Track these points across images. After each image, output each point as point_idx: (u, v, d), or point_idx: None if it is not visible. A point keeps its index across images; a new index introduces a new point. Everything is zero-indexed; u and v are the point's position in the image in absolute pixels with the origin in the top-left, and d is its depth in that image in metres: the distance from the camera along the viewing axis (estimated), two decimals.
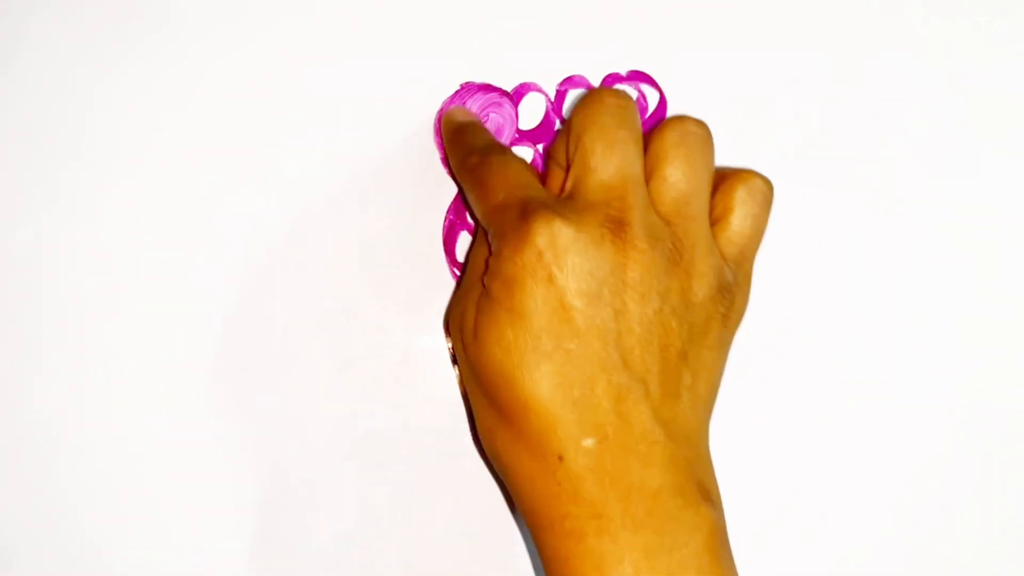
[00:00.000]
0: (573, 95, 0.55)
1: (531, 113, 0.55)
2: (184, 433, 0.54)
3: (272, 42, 0.54)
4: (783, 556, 0.56)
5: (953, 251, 0.57)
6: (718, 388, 0.48)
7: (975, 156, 0.57)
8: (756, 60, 0.56)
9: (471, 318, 0.46)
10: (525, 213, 0.44)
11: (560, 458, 0.43)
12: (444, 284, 0.55)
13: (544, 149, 0.55)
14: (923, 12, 0.57)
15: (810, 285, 0.56)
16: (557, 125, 0.55)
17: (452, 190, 0.55)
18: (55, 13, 0.54)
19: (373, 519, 0.55)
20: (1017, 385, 0.58)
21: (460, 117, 0.54)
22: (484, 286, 0.46)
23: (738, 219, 0.48)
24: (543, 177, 0.50)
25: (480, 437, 0.48)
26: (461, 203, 0.54)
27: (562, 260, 0.43)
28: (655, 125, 0.48)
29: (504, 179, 0.47)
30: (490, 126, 0.54)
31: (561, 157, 0.48)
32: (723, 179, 0.48)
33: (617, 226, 0.44)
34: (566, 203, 0.45)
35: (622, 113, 0.46)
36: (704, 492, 0.45)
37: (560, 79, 0.55)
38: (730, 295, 0.47)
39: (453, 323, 0.49)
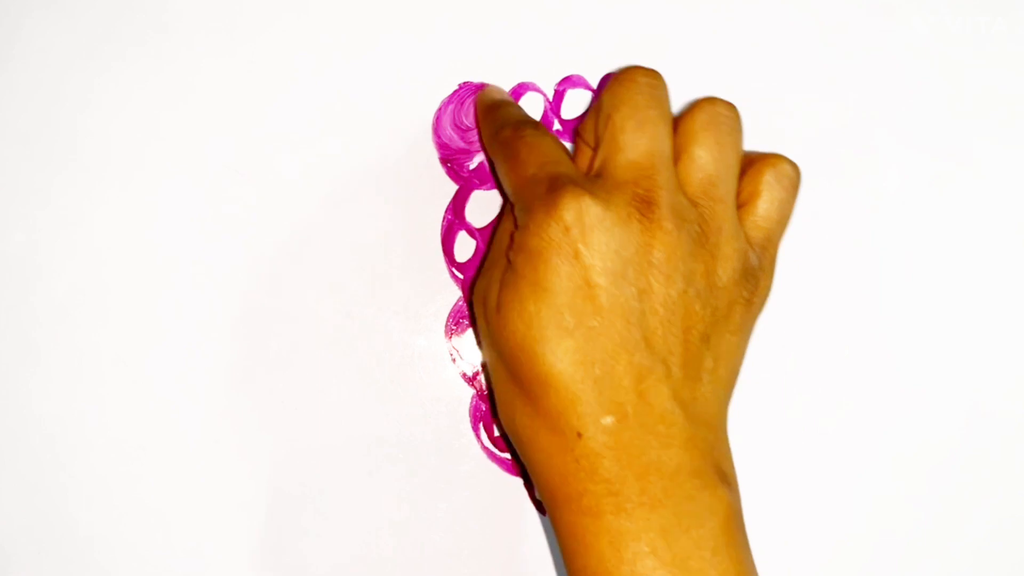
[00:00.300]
0: (572, 94, 0.55)
1: (530, 113, 0.55)
2: (183, 434, 0.54)
3: (270, 43, 0.54)
4: (791, 542, 0.56)
5: (957, 247, 0.57)
6: (738, 373, 0.48)
7: (977, 155, 0.57)
8: (755, 60, 0.56)
9: (495, 292, 0.46)
10: (554, 188, 0.44)
11: (579, 435, 0.43)
12: (443, 284, 0.55)
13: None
14: (923, 12, 0.57)
15: (810, 286, 0.56)
16: (556, 125, 0.55)
17: (450, 190, 0.55)
18: (51, 14, 0.54)
19: (372, 520, 0.55)
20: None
21: (496, 95, 0.54)
22: (509, 260, 0.45)
23: (765, 203, 0.47)
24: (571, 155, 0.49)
25: (499, 412, 0.48)
26: (459, 203, 0.54)
27: (589, 237, 0.43)
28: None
29: (536, 153, 0.47)
30: None
31: (589, 135, 0.48)
32: (751, 163, 0.48)
33: (645, 206, 0.44)
34: (595, 180, 0.45)
35: (653, 92, 0.46)
36: (722, 475, 0.45)
37: (558, 79, 0.55)
38: (754, 279, 0.47)
39: (477, 297, 0.49)
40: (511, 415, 0.46)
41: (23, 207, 0.54)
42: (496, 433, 0.55)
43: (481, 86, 0.54)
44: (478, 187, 0.55)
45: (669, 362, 0.44)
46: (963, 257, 0.57)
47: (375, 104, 0.54)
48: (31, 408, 0.54)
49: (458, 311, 0.55)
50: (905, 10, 0.57)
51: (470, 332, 0.55)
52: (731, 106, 0.47)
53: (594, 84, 0.55)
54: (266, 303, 0.54)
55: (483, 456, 0.55)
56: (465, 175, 0.54)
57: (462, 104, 0.54)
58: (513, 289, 0.44)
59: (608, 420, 0.43)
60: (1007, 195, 0.58)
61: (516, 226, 0.46)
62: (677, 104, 0.54)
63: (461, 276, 0.55)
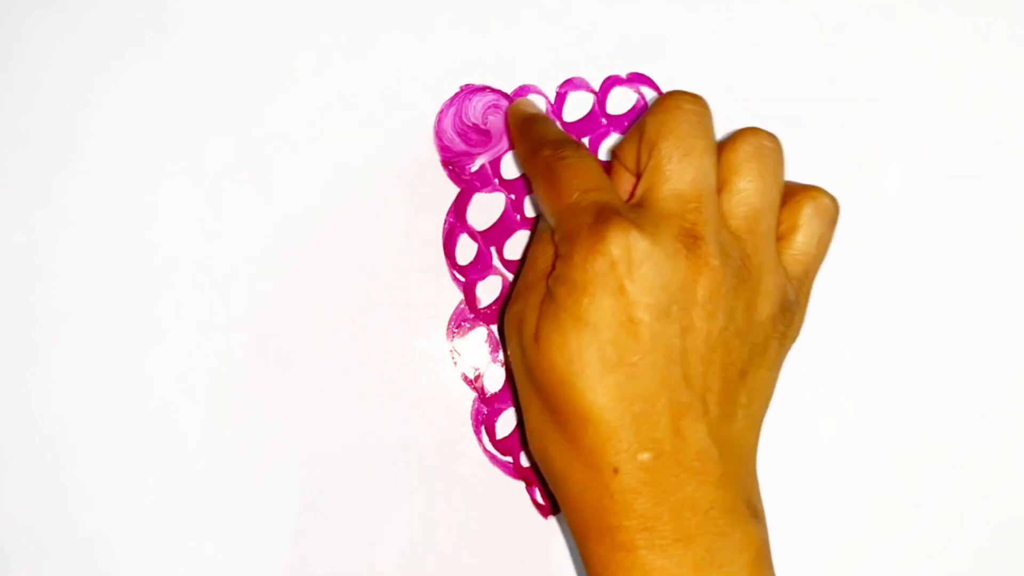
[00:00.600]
0: (573, 96, 0.55)
1: None
2: (183, 434, 0.54)
3: (270, 43, 0.54)
4: (791, 541, 0.56)
5: (957, 248, 0.58)
6: (768, 406, 0.47)
7: (977, 155, 0.57)
8: (755, 60, 0.56)
9: (532, 321, 0.45)
10: (600, 219, 0.43)
11: (615, 471, 0.43)
12: (444, 287, 0.55)
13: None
14: (923, 12, 0.57)
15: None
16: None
17: (452, 193, 0.54)
18: (51, 14, 0.54)
19: (372, 521, 0.55)
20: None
21: (529, 108, 0.53)
22: (549, 289, 0.45)
23: (804, 237, 0.47)
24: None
25: (530, 441, 0.47)
26: (461, 206, 0.54)
27: (635, 272, 0.42)
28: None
29: (579, 178, 0.46)
30: (489, 128, 0.54)
31: (629, 160, 0.47)
32: (790, 194, 0.47)
33: (691, 240, 0.43)
34: (640, 212, 0.44)
35: (699, 120, 0.45)
36: (752, 510, 0.45)
37: (559, 80, 0.55)
38: (790, 314, 0.46)
39: (510, 323, 0.48)
40: (543, 445, 0.46)
41: (23, 207, 0.54)
42: (498, 437, 0.55)
43: (482, 88, 0.54)
44: (479, 190, 0.54)
45: (707, 399, 0.44)
46: (963, 257, 0.57)
47: (375, 105, 0.54)
48: (31, 408, 0.54)
49: (459, 314, 0.55)
50: (905, 10, 0.57)
51: (472, 334, 0.55)
52: (774, 138, 0.46)
53: (596, 86, 0.55)
54: (266, 304, 0.54)
55: (484, 458, 0.55)
56: (467, 178, 0.54)
57: (463, 107, 0.54)
58: (554, 320, 0.44)
59: (645, 456, 0.43)
60: (1007, 195, 0.58)
61: (557, 253, 0.45)
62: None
63: (462, 279, 0.55)
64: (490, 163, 0.55)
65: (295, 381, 0.54)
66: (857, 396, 0.57)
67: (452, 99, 0.54)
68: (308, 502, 0.54)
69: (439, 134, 0.54)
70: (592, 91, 0.55)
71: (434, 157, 0.54)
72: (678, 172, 0.44)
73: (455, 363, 0.55)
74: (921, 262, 0.57)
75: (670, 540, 0.43)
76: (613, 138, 0.56)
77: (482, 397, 0.55)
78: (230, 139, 0.54)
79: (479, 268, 0.55)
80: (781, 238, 0.47)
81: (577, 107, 0.55)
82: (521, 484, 0.55)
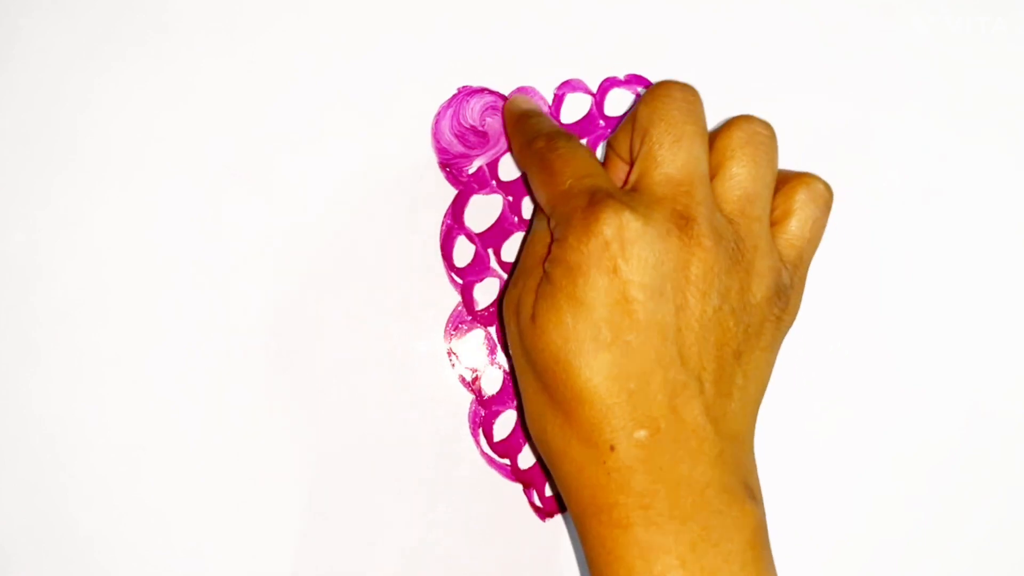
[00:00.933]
0: (571, 98, 0.55)
1: None
2: (182, 435, 0.54)
3: (270, 43, 0.54)
4: (791, 541, 0.56)
5: (957, 248, 0.57)
6: (766, 389, 0.48)
7: (977, 155, 0.57)
8: (755, 60, 0.56)
9: (529, 303, 0.46)
10: (593, 202, 0.44)
11: (612, 448, 0.43)
12: (442, 288, 0.55)
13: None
14: (923, 12, 0.57)
15: (810, 286, 0.56)
16: None
17: (449, 195, 0.54)
18: (51, 14, 0.54)
19: (370, 522, 0.55)
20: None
21: (524, 104, 0.54)
22: (545, 272, 0.45)
23: (798, 222, 0.47)
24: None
25: (528, 422, 0.48)
26: (458, 207, 0.54)
27: (628, 252, 0.43)
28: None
29: (571, 165, 0.47)
30: (486, 130, 0.54)
31: (623, 149, 0.48)
32: (784, 181, 0.48)
33: (684, 222, 0.44)
34: (633, 195, 0.45)
35: (690, 107, 0.46)
36: (749, 490, 0.45)
37: (558, 81, 0.55)
38: (785, 297, 0.47)
39: (508, 307, 0.48)
40: (541, 425, 0.46)
41: (23, 207, 0.54)
42: (496, 439, 0.55)
43: (480, 90, 0.54)
44: (477, 191, 0.54)
45: (702, 378, 0.44)
46: (963, 257, 0.57)
47: (373, 107, 0.54)
48: (31, 408, 0.54)
49: (457, 315, 0.55)
50: (905, 10, 0.57)
51: (469, 336, 0.55)
52: (768, 125, 0.47)
53: (594, 87, 0.55)
54: (265, 305, 0.54)
55: (482, 461, 0.55)
56: (464, 179, 0.54)
57: (461, 108, 0.54)
58: (550, 301, 0.44)
59: (641, 434, 0.43)
60: (1007, 195, 0.58)
61: (552, 237, 0.46)
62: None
63: (460, 281, 0.55)
64: (488, 165, 0.55)
65: (293, 382, 0.54)
66: (857, 396, 0.57)
67: (450, 101, 0.54)
68: (306, 503, 0.54)
69: (437, 136, 0.54)
70: (590, 93, 0.55)
71: (432, 159, 0.54)
72: (669, 157, 0.45)
73: (453, 365, 0.55)
74: (921, 263, 0.57)
75: (666, 517, 0.43)
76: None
77: (480, 399, 0.55)
78: (229, 139, 0.54)
79: (477, 270, 0.55)
80: (775, 223, 0.48)
81: (575, 109, 0.55)
82: (519, 486, 0.55)
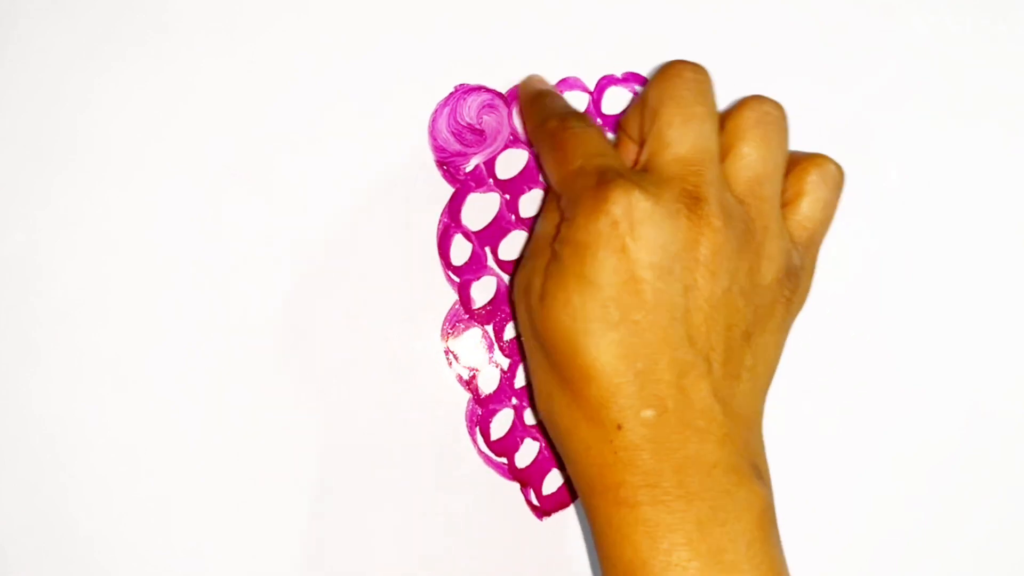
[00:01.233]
0: (569, 96, 0.55)
1: None
2: (182, 435, 0.54)
3: (270, 43, 0.54)
4: (791, 541, 0.56)
5: (957, 248, 0.57)
6: (775, 371, 0.48)
7: (977, 154, 0.57)
8: (755, 60, 0.56)
9: (538, 282, 0.46)
10: (603, 181, 0.44)
11: (619, 427, 0.43)
12: (439, 287, 0.55)
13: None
14: (923, 12, 0.57)
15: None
16: None
17: (446, 193, 0.54)
18: (51, 14, 0.54)
19: (368, 522, 0.55)
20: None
21: (538, 84, 0.54)
22: (554, 251, 0.45)
23: (809, 203, 0.47)
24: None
25: (536, 401, 0.48)
26: (455, 206, 0.54)
27: (637, 231, 0.43)
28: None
29: (583, 145, 0.47)
30: (483, 128, 0.54)
31: (633, 130, 0.48)
32: (795, 162, 0.48)
33: (693, 201, 0.44)
34: (643, 175, 0.45)
35: (699, 87, 0.46)
36: (757, 471, 0.45)
37: (555, 81, 0.55)
38: (796, 279, 0.47)
39: (519, 285, 0.49)
40: (549, 404, 0.47)
41: (23, 207, 0.54)
42: (493, 438, 0.55)
43: (477, 88, 0.54)
44: (474, 190, 0.54)
45: (711, 358, 0.44)
46: (963, 257, 0.57)
47: (370, 105, 0.54)
48: (31, 408, 0.54)
49: (454, 314, 0.55)
50: (905, 10, 0.57)
51: (466, 335, 0.55)
52: (778, 105, 0.47)
53: (591, 86, 0.55)
54: (263, 304, 0.54)
55: (479, 459, 0.55)
56: (461, 178, 0.54)
57: (458, 106, 0.54)
58: (558, 280, 0.44)
59: (648, 413, 0.43)
60: (1007, 195, 0.57)
61: (562, 217, 0.46)
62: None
63: (457, 279, 0.55)
64: (485, 163, 0.55)
65: (290, 381, 0.54)
66: (856, 396, 0.57)
67: (447, 99, 0.54)
68: (304, 503, 0.54)
69: (434, 134, 0.54)
70: (587, 91, 0.55)
71: (429, 157, 0.54)
72: (679, 137, 0.45)
73: (450, 364, 0.55)
74: (921, 263, 0.57)
75: (673, 496, 0.43)
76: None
77: (477, 398, 0.55)
78: (229, 139, 0.54)
79: (473, 268, 0.55)
80: (787, 204, 0.48)
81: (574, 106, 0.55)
82: (516, 485, 0.55)
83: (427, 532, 0.55)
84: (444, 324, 0.55)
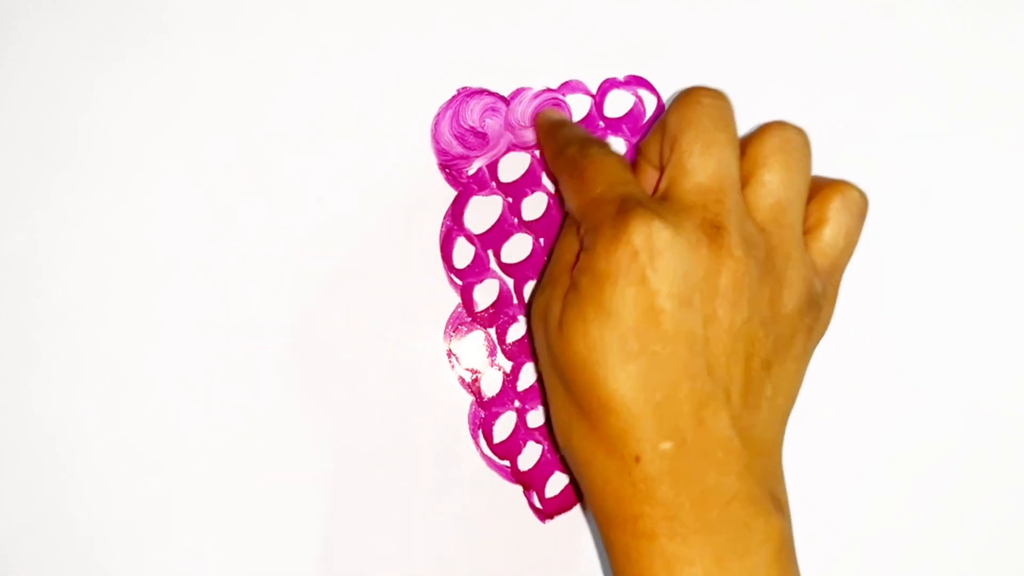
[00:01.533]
0: (571, 99, 0.55)
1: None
2: (182, 435, 0.54)
3: (270, 43, 0.54)
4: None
5: (957, 248, 0.57)
6: (795, 399, 0.47)
7: (977, 154, 0.57)
8: (755, 60, 0.56)
9: (557, 310, 0.45)
10: (623, 210, 0.43)
11: (637, 459, 0.43)
12: (441, 290, 0.55)
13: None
14: (923, 12, 0.57)
15: None
16: None
17: (449, 196, 0.54)
18: (51, 14, 0.54)
19: (369, 524, 0.55)
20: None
21: (556, 115, 0.53)
22: (573, 280, 0.45)
23: (832, 231, 0.47)
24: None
25: (555, 431, 0.48)
26: (458, 209, 0.54)
27: (657, 262, 0.42)
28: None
29: (603, 173, 0.46)
30: (486, 131, 0.54)
31: (653, 156, 0.48)
32: (818, 188, 0.47)
33: (714, 231, 0.43)
34: (663, 204, 0.44)
35: (720, 114, 0.45)
36: (776, 502, 0.45)
37: (559, 81, 0.55)
38: (817, 308, 0.46)
39: (537, 314, 0.48)
40: (567, 433, 0.46)
41: (23, 207, 0.54)
42: (495, 441, 0.55)
43: (479, 91, 0.54)
44: (477, 193, 0.54)
45: (730, 389, 0.44)
46: (963, 257, 0.57)
47: (373, 107, 0.54)
48: (31, 408, 0.54)
49: (457, 317, 0.55)
50: (905, 10, 0.57)
51: (469, 337, 0.55)
52: (801, 131, 0.46)
53: (593, 89, 0.55)
54: (264, 306, 0.54)
55: (482, 462, 0.55)
56: (464, 181, 0.54)
57: (460, 109, 0.54)
58: (577, 310, 0.44)
59: (667, 445, 0.43)
60: (1007, 195, 0.58)
61: (582, 245, 0.45)
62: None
63: (460, 282, 0.55)
64: (487, 166, 0.55)
65: (292, 383, 0.54)
66: (856, 396, 0.57)
67: (449, 102, 0.54)
68: (305, 504, 0.54)
69: (436, 137, 0.54)
70: (589, 94, 0.55)
71: (431, 160, 0.54)
72: (700, 165, 0.44)
73: (452, 367, 0.55)
74: (921, 263, 0.57)
75: (691, 529, 0.43)
76: (610, 140, 0.56)
77: (479, 401, 0.55)
78: (229, 139, 0.54)
79: (476, 271, 0.55)
80: (809, 232, 0.47)
81: (574, 110, 0.55)
82: (519, 488, 0.55)
83: (429, 535, 0.55)
84: (447, 327, 0.55)
